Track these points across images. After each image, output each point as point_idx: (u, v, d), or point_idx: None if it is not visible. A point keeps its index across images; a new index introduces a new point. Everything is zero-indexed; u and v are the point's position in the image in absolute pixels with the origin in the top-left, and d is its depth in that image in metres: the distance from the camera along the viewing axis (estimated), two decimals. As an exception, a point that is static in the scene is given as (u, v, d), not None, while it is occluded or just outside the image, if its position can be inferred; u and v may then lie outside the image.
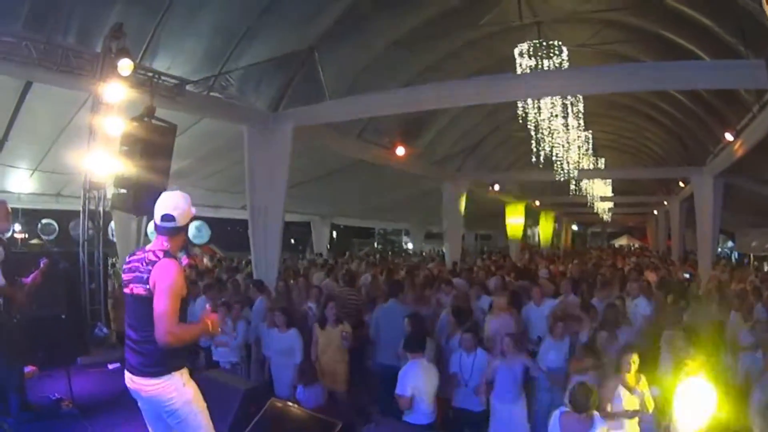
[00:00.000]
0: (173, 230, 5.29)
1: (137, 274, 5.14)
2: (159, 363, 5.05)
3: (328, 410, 9.30)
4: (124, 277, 5.33)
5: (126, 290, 5.25)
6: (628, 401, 7.45)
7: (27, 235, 33.44)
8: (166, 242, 5.26)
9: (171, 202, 5.32)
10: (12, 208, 10.44)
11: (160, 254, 5.12)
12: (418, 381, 8.20)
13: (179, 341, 5.01)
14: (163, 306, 4.89)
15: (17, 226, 30.59)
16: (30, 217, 30.59)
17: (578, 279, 16.23)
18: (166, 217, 5.25)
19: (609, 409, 7.34)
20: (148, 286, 5.03)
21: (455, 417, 9.30)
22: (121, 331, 11.35)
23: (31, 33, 11.15)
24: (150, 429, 5.50)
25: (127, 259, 5.44)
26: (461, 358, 9.22)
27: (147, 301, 5.00)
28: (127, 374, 5.27)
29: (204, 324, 5.29)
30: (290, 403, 8.58)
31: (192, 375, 5.41)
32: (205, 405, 5.37)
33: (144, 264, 5.12)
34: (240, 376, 10.62)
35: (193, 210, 5.43)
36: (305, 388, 9.63)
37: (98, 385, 5.38)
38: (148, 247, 5.34)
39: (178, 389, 5.10)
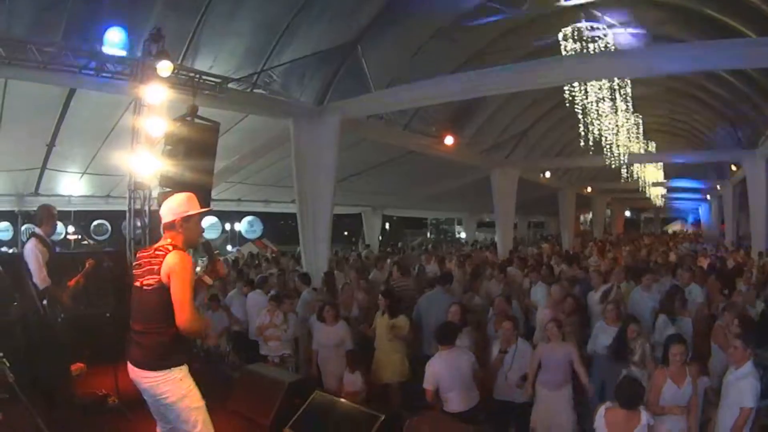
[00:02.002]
0: (166, 227, 5.57)
1: (147, 267, 5.32)
2: (161, 357, 5.21)
3: (376, 401, 9.32)
4: (135, 272, 5.51)
5: (137, 284, 5.42)
6: (676, 395, 7.28)
7: (80, 236, 33.92)
8: (171, 238, 5.49)
9: (162, 204, 5.78)
10: (64, 211, 10.58)
11: (170, 247, 5.31)
12: (441, 373, 8.20)
13: (196, 328, 5.29)
14: (184, 295, 5.10)
15: (70, 228, 31.05)
16: (83, 218, 31.05)
17: (631, 267, 16.06)
18: (160, 216, 5.68)
19: (657, 403, 7.22)
20: (158, 277, 5.19)
21: (498, 409, 9.24)
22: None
23: (72, 42, 11.30)
24: (156, 418, 5.64)
25: (137, 257, 5.70)
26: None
27: (157, 292, 5.19)
28: (129, 365, 5.40)
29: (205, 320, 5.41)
30: (335, 396, 8.60)
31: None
32: (202, 401, 5.44)
33: (152, 257, 5.32)
34: (286, 370, 10.67)
35: (186, 206, 5.62)
36: (352, 376, 9.72)
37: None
38: (158, 243, 5.55)
39: (175, 384, 5.21)
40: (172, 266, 5.15)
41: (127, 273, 12.67)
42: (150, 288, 5.22)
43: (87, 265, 9.22)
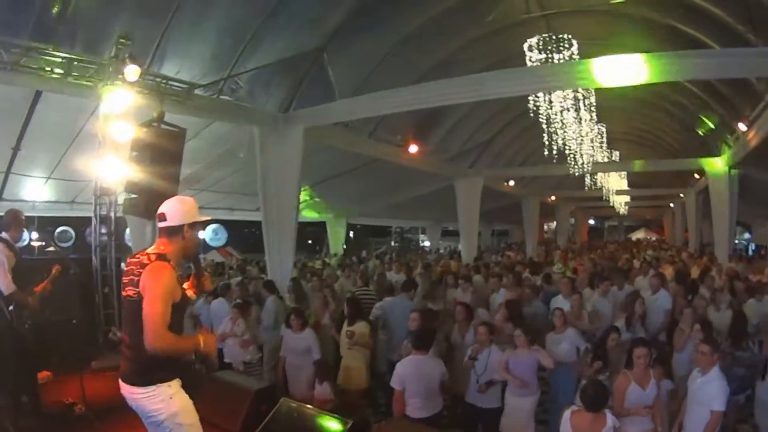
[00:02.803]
0: (166, 230, 5.13)
1: (131, 276, 4.96)
2: (145, 372, 4.88)
3: (343, 408, 9.32)
4: (123, 280, 5.15)
5: (124, 293, 5.06)
6: (641, 397, 7.38)
7: (44, 243, 33.58)
8: (164, 245, 5.11)
9: (166, 203, 5.22)
10: (28, 216, 10.49)
11: (153, 257, 4.95)
12: (409, 376, 8.21)
13: (167, 350, 4.78)
14: (151, 310, 4.71)
15: (34, 234, 30.72)
16: (46, 224, 30.69)
17: (593, 273, 16.28)
18: (159, 216, 5.13)
19: (622, 405, 7.31)
20: (137, 289, 4.86)
21: (468, 413, 9.30)
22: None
23: (39, 43, 11.19)
24: None
25: (128, 261, 5.24)
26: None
27: (136, 304, 4.83)
28: (120, 380, 5.06)
29: (196, 339, 5.04)
30: (302, 403, 8.58)
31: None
32: (196, 419, 5.14)
33: (138, 266, 4.95)
34: (252, 377, 10.62)
35: (195, 212, 5.27)
36: (322, 386, 9.71)
37: (111, 389, 5.35)
38: (148, 249, 5.15)
39: (164, 401, 4.88)
40: (147, 279, 4.83)
41: (94, 280, 12.75)
42: (129, 299, 4.92)
43: (53, 271, 9.12)
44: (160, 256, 4.98)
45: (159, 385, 4.87)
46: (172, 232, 5.13)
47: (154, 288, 4.79)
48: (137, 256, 5.14)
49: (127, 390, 4.96)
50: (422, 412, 8.20)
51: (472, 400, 9.20)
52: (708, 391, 7.17)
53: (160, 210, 5.17)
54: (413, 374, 8.21)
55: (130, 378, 4.94)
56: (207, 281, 5.71)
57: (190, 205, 5.25)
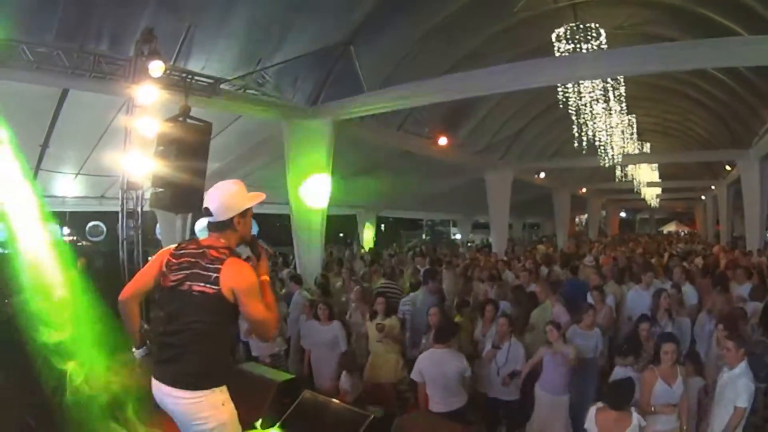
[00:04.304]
0: (215, 225, 4.79)
1: (197, 271, 4.59)
2: (204, 375, 4.56)
3: (370, 401, 9.32)
4: (173, 276, 4.66)
5: (181, 287, 4.62)
6: (667, 393, 7.30)
7: (76, 238, 33.74)
8: (220, 238, 4.77)
9: (209, 195, 4.84)
10: (59, 212, 10.53)
11: (225, 251, 4.64)
12: (429, 369, 8.26)
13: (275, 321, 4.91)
14: (258, 310, 4.58)
15: (65, 230, 30.88)
16: (78, 219, 30.87)
17: (623, 267, 16.13)
18: (205, 211, 4.79)
19: (648, 402, 7.24)
20: (216, 288, 4.50)
21: (490, 407, 9.29)
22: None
23: (64, 42, 11.26)
24: None
25: (175, 252, 4.81)
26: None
27: (211, 301, 4.51)
28: (156, 382, 4.65)
29: (263, 283, 4.79)
30: (325, 396, 8.59)
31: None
32: (240, 429, 4.85)
33: (205, 260, 4.60)
34: (277, 369, 10.60)
35: (243, 199, 4.85)
36: (347, 377, 9.77)
37: (134, 382, 5.24)
38: (203, 241, 4.82)
39: (216, 407, 4.56)
40: (237, 283, 4.52)
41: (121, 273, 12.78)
42: (203, 295, 4.53)
43: (79, 265, 9.18)
44: (232, 251, 4.70)
45: (213, 389, 4.57)
46: (222, 227, 4.80)
47: (253, 291, 4.60)
48: (190, 248, 4.81)
49: (174, 394, 4.56)
50: (442, 407, 8.23)
51: (493, 393, 9.20)
52: (733, 387, 7.00)
53: (205, 203, 4.82)
54: (430, 369, 8.25)
55: (181, 380, 4.53)
56: (265, 267, 5.08)
57: (235, 195, 4.83)
